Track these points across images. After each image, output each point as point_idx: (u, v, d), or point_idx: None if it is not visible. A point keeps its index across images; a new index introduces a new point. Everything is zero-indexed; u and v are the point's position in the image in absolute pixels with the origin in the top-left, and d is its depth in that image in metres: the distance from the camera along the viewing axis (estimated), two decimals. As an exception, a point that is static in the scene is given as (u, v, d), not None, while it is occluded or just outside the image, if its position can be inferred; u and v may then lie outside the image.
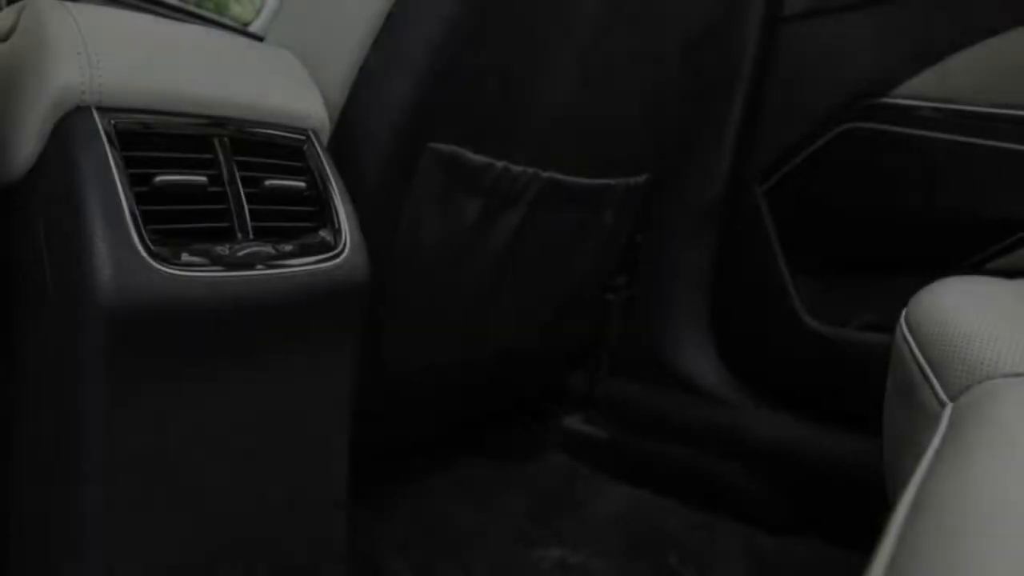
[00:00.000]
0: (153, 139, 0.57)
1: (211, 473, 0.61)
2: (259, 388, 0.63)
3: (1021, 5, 1.03)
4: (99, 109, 0.54)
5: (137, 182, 0.54)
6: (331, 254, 0.66)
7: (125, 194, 0.53)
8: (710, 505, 1.24)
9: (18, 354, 0.58)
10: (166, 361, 0.56)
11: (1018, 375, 0.52)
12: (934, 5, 1.08)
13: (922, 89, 1.08)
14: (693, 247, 1.30)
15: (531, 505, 1.23)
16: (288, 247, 0.63)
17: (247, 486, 0.64)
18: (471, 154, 0.84)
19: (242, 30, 0.89)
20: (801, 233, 1.20)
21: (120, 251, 0.52)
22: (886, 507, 0.42)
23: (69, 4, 0.57)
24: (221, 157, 0.60)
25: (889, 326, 0.73)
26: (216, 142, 0.60)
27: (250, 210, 0.61)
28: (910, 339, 0.65)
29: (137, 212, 0.53)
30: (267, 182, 0.63)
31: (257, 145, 0.64)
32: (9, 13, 0.59)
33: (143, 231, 0.53)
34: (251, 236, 0.60)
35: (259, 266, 0.60)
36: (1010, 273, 0.86)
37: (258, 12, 0.91)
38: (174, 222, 0.56)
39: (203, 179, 0.58)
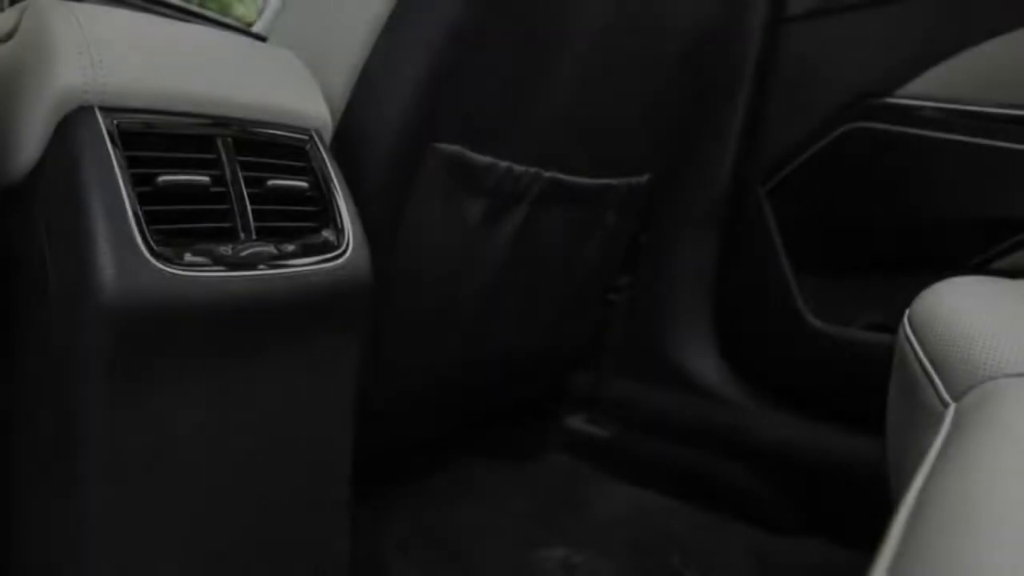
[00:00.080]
0: (156, 139, 0.57)
1: (213, 473, 0.61)
2: (262, 388, 0.63)
3: (1024, 5, 1.02)
4: (102, 109, 0.54)
5: (140, 182, 0.54)
6: (334, 254, 0.66)
7: (128, 194, 0.53)
8: (713, 505, 1.24)
9: (19, 354, 0.58)
10: (168, 361, 0.56)
11: (1021, 375, 0.52)
12: (937, 5, 1.08)
13: (926, 89, 1.07)
14: (696, 247, 1.30)
15: (534, 505, 1.23)
16: (291, 247, 0.63)
17: (249, 486, 0.64)
18: (474, 154, 0.84)
19: (245, 30, 0.90)
20: (804, 233, 1.20)
21: (123, 251, 0.52)
22: (889, 507, 0.42)
23: (72, 4, 0.57)
24: (224, 157, 0.60)
25: (892, 326, 0.73)
26: (219, 142, 0.60)
27: (253, 210, 0.61)
28: (913, 339, 0.64)
29: (140, 212, 0.53)
30: (270, 182, 0.63)
31: (260, 145, 0.64)
32: (11, 13, 0.59)
33: (146, 231, 0.53)
34: (254, 236, 0.60)
35: (262, 266, 0.60)
36: (1014, 273, 0.85)
37: (261, 12, 0.91)
38: (177, 222, 0.56)
39: (206, 179, 0.58)
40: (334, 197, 0.68)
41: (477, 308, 0.99)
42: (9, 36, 0.58)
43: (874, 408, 0.75)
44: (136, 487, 0.56)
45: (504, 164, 0.88)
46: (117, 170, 0.53)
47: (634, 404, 1.34)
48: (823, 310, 1.17)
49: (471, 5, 0.74)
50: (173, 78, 0.59)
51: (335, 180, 0.68)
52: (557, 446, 1.39)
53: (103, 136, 0.53)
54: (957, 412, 0.52)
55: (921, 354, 0.61)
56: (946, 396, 0.55)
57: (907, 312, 0.70)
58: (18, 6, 0.59)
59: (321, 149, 0.69)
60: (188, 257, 0.55)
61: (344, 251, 0.66)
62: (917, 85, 1.08)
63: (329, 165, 0.68)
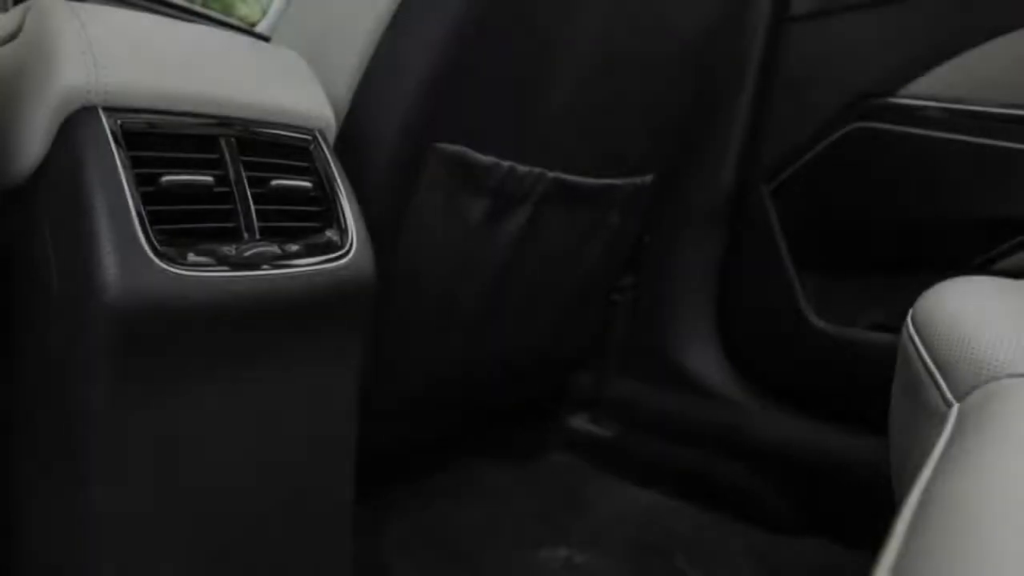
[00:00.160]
0: (159, 139, 0.57)
1: (215, 473, 0.61)
2: (264, 388, 0.63)
3: (1027, 4, 1.02)
4: (105, 109, 0.54)
5: (143, 182, 0.54)
6: (337, 254, 0.66)
7: (131, 194, 0.53)
8: (715, 505, 1.24)
9: (21, 354, 0.58)
10: (171, 361, 0.56)
11: (1025, 376, 0.52)
12: (940, 5, 1.08)
13: (929, 89, 1.07)
14: (699, 247, 1.30)
15: (535, 505, 1.23)
16: (294, 247, 0.63)
17: (252, 486, 0.64)
18: (477, 154, 0.84)
19: (248, 30, 0.90)
20: (807, 233, 1.20)
21: (126, 251, 0.52)
22: (892, 507, 0.42)
23: (75, 5, 0.57)
24: (227, 157, 0.60)
25: (895, 326, 0.73)
26: (222, 142, 0.60)
27: (256, 210, 0.61)
28: (916, 339, 0.64)
29: (143, 212, 0.53)
30: (273, 182, 0.63)
31: (263, 145, 0.64)
32: (14, 14, 0.59)
33: (149, 231, 0.53)
34: (257, 236, 0.60)
35: (265, 266, 0.60)
36: (1017, 273, 0.85)
37: (264, 12, 0.91)
38: (180, 222, 0.56)
39: (209, 179, 0.58)
40: (337, 197, 0.68)
41: (479, 308, 0.99)
42: (12, 36, 0.59)
43: (877, 408, 0.75)
44: (138, 487, 0.56)
45: (507, 164, 0.88)
46: (121, 170, 0.53)
47: (636, 404, 1.34)
48: (826, 310, 1.17)
49: (474, 5, 0.74)
50: (176, 78, 0.59)
51: (338, 180, 0.68)
52: (559, 446, 1.39)
53: (107, 136, 0.53)
54: (960, 412, 0.52)
55: (924, 354, 0.61)
56: (949, 396, 0.55)
57: (910, 312, 0.70)
58: (21, 6, 0.59)
59: (324, 149, 0.69)
60: (191, 257, 0.55)
61: (347, 251, 0.66)
62: (920, 85, 1.08)
63: (332, 165, 0.68)
